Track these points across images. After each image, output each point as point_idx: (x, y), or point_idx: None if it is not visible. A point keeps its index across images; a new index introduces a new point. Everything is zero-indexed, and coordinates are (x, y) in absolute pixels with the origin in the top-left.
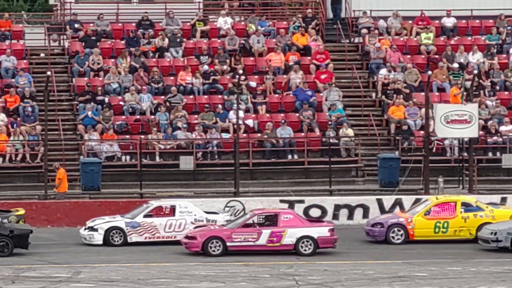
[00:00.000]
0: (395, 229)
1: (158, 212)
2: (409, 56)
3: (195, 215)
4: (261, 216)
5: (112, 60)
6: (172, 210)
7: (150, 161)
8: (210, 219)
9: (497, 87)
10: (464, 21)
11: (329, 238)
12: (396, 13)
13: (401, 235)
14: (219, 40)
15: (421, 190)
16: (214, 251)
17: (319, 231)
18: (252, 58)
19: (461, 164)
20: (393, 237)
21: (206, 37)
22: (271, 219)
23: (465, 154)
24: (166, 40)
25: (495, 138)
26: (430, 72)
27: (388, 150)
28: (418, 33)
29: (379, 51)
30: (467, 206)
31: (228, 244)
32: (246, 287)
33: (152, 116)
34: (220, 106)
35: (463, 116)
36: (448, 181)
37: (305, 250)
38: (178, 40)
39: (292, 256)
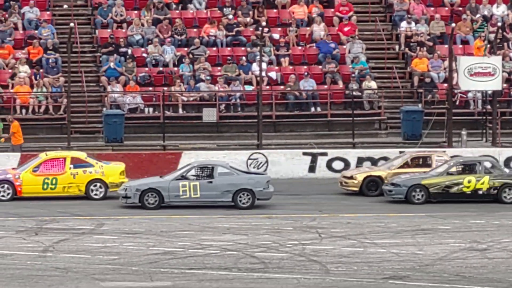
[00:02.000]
0: (2, 186)
1: None
2: (432, 8)
3: None
4: None
5: (135, 11)
6: None
7: (173, 113)
8: None
9: None
10: None
11: None
12: None
13: (9, 191)
14: None
15: (444, 143)
16: None
17: None
18: (275, 10)
19: (484, 117)
20: (1, 195)
21: None
22: None
23: (489, 107)
24: None
25: None
26: (453, 25)
27: (411, 103)
28: None
29: (403, 3)
30: (76, 162)
31: None
32: (269, 240)
33: (175, 68)
34: (243, 58)
35: (486, 68)
36: (471, 134)
37: None
38: None
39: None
